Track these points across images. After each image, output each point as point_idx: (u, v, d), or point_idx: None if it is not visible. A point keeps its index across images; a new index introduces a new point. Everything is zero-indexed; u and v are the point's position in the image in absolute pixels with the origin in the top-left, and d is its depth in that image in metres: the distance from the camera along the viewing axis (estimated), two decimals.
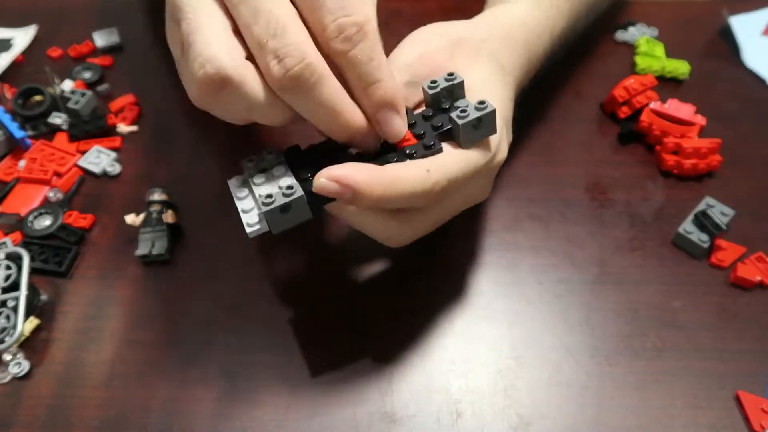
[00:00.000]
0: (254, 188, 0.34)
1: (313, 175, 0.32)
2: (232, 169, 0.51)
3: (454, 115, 0.33)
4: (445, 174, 0.32)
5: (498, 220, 0.46)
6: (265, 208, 0.32)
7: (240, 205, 0.34)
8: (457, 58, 0.37)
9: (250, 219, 0.33)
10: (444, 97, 0.35)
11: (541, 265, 0.45)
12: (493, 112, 0.33)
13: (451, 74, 0.35)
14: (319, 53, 0.30)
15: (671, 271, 0.45)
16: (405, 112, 0.34)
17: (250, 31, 0.29)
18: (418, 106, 0.38)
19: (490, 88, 0.37)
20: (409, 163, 0.33)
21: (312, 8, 0.29)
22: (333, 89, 0.31)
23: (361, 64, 0.31)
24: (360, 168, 0.31)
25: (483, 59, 0.37)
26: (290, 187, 0.32)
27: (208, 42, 0.28)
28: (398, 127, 0.33)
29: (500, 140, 0.35)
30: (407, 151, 0.33)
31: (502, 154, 0.36)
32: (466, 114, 0.33)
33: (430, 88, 0.35)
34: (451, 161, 0.33)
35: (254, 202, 0.34)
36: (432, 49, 0.38)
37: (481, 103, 0.33)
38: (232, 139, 0.54)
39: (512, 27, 0.43)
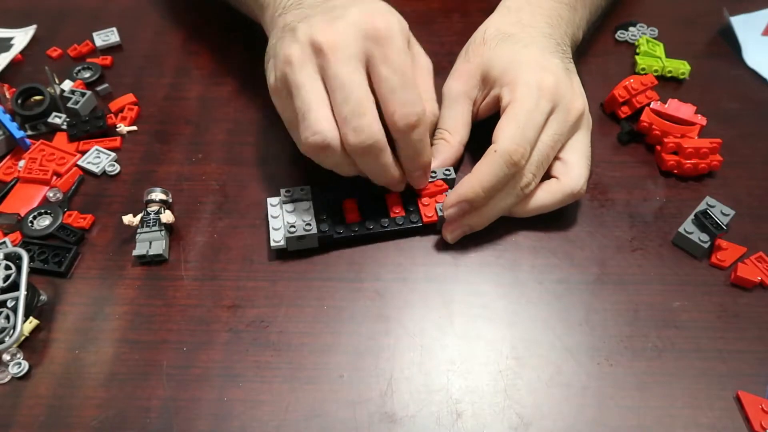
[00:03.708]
0: (285, 214, 0.46)
1: (328, 217, 0.45)
2: (230, 169, 0.51)
3: (438, 206, 0.45)
4: (530, 206, 0.46)
5: (498, 220, 0.46)
6: (288, 235, 0.44)
7: (272, 222, 0.45)
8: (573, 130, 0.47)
9: (276, 236, 0.45)
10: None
11: (541, 265, 0.45)
12: None
13: (448, 170, 0.47)
14: (383, 132, 0.41)
15: (671, 271, 0.45)
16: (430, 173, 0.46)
17: (341, 108, 0.40)
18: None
19: (588, 154, 0.47)
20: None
21: (386, 99, 0.41)
22: (387, 158, 0.42)
23: (414, 142, 0.42)
24: (457, 189, 0.44)
25: (584, 129, 0.47)
26: (308, 224, 0.44)
27: (318, 119, 0.40)
28: (423, 183, 0.46)
29: (584, 181, 0.46)
30: (397, 221, 0.46)
31: (584, 191, 0.46)
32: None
33: (431, 177, 0.47)
34: (540, 195, 0.46)
35: (282, 224, 0.45)
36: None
37: None
38: (230, 140, 0.54)
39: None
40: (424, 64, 0.48)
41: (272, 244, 0.44)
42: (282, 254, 0.46)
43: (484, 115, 0.49)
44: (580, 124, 0.46)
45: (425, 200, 0.46)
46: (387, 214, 0.46)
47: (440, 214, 0.45)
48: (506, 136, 0.43)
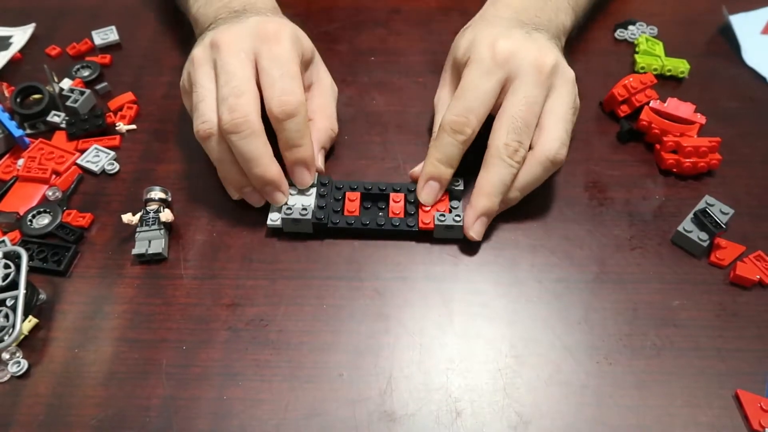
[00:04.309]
0: (288, 197, 0.47)
1: (327, 206, 0.46)
2: None
3: (436, 215, 0.45)
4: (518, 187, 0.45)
5: (497, 219, 0.46)
6: (284, 216, 0.46)
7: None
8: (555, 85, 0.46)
9: (273, 216, 0.46)
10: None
11: (540, 264, 0.45)
12: (461, 227, 0.45)
13: (457, 180, 0.47)
14: (259, 118, 0.43)
15: (671, 269, 0.45)
16: (314, 171, 0.47)
17: (222, 91, 0.43)
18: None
19: (565, 116, 0.45)
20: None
21: (266, 88, 0.44)
22: (259, 144, 0.43)
23: (289, 131, 0.44)
24: (471, 206, 0.44)
25: (561, 89, 0.45)
26: (305, 209, 0.46)
27: (209, 107, 0.44)
28: (304, 179, 0.47)
29: (560, 144, 0.44)
30: (393, 222, 0.46)
31: (561, 156, 0.44)
32: (444, 219, 0.45)
33: None
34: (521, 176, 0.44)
35: (282, 206, 0.46)
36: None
37: (458, 215, 0.45)
38: None
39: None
40: (327, 84, 0.52)
41: (269, 222, 0.46)
42: (281, 253, 0.46)
43: None
44: (555, 81, 0.45)
45: (426, 206, 0.46)
46: (386, 213, 0.47)
47: (437, 222, 0.45)
48: (448, 110, 0.44)
